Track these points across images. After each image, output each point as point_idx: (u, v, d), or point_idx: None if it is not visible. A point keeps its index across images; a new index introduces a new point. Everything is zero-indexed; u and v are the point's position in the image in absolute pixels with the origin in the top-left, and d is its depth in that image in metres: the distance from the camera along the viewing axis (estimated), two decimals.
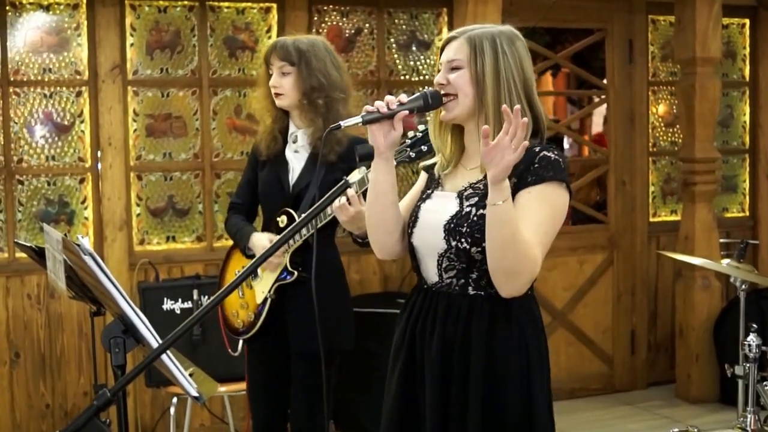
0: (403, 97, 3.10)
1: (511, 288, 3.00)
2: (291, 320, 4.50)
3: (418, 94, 3.13)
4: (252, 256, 4.55)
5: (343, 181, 3.14)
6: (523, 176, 3.04)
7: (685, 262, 6.35)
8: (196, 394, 2.75)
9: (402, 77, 7.13)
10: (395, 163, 3.44)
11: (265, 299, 4.51)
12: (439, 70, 3.23)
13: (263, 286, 4.54)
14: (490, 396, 3.08)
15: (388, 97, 3.07)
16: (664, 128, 8.08)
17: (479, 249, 3.02)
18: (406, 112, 3.06)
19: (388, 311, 6.27)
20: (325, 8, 6.94)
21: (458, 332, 3.13)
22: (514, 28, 3.26)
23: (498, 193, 2.86)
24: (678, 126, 7.91)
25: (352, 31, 7.03)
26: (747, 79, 8.36)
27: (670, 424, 6.80)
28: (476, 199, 3.10)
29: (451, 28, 7.08)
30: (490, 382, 3.08)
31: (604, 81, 8.00)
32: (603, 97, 8.05)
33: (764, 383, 5.22)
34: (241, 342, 4.83)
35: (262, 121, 4.81)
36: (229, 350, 4.96)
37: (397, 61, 7.13)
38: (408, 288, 7.02)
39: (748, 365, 5.10)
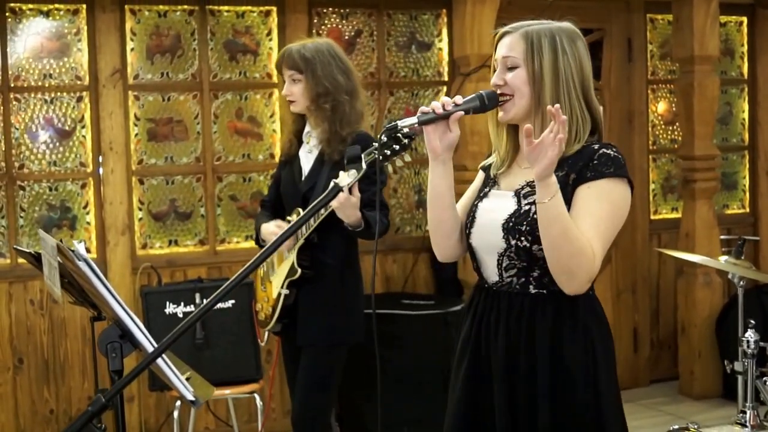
0: (459, 99, 3.06)
1: (571, 285, 2.99)
2: (300, 314, 4.66)
3: (474, 95, 3.10)
4: (263, 246, 4.74)
5: (333, 185, 3.17)
6: (582, 172, 3.03)
7: (686, 259, 6.36)
8: (193, 398, 2.76)
9: (402, 78, 7.15)
10: (364, 167, 3.47)
11: (279, 294, 4.65)
12: (494, 68, 3.19)
13: (277, 282, 4.68)
14: (558, 395, 3.07)
15: (443, 98, 3.05)
16: (663, 126, 8.09)
17: (540, 246, 2.99)
18: (462, 112, 3.04)
19: (391, 312, 6.28)
20: (325, 11, 6.96)
21: (522, 331, 3.11)
22: (572, 25, 3.24)
23: (545, 190, 2.86)
24: (677, 124, 7.93)
25: (352, 33, 7.04)
26: (745, 76, 8.37)
27: (673, 420, 6.79)
28: (535, 197, 3.03)
29: (450, 29, 7.11)
30: (558, 381, 3.07)
31: (601, 81, 8.00)
32: (599, 97, 8.05)
33: (764, 379, 5.23)
34: (267, 334, 5.03)
35: (284, 123, 5.16)
36: (258, 340, 5.19)
37: (397, 63, 7.15)
38: (410, 289, 7.05)
39: (746, 361, 5.11)
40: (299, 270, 4.54)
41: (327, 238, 4.52)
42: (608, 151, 3.05)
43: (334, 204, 4.17)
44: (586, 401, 3.08)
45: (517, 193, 3.15)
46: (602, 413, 3.10)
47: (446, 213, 3.25)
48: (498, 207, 3.17)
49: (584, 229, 2.95)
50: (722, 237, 7.35)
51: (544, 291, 3.10)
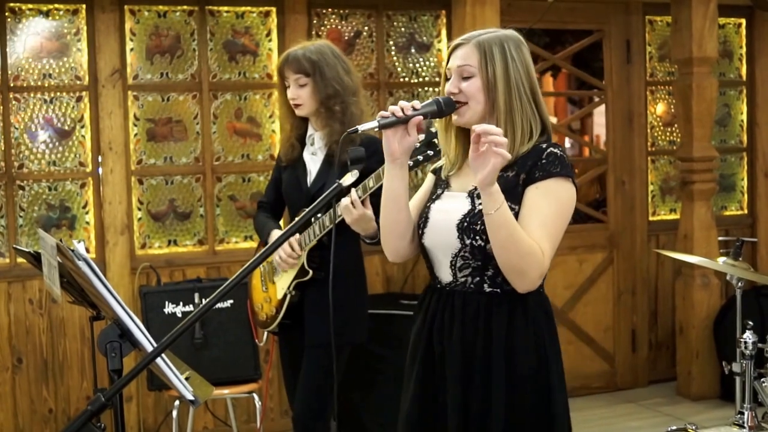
0: (417, 103, 3.14)
1: (523, 284, 3.08)
2: (307, 314, 4.66)
3: (431, 100, 3.19)
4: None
5: (335, 185, 3.20)
6: (531, 172, 3.13)
7: (684, 260, 6.37)
8: (192, 397, 2.79)
9: (401, 79, 7.16)
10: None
11: (285, 295, 4.66)
12: (446, 76, 3.29)
13: (283, 283, 4.69)
14: (511, 392, 3.13)
15: (402, 103, 3.12)
16: (662, 128, 8.11)
17: None
18: (421, 117, 3.12)
19: (390, 312, 6.29)
20: (325, 11, 6.98)
21: (479, 331, 3.18)
22: (515, 31, 3.33)
23: (489, 200, 2.95)
24: (676, 125, 7.95)
25: (352, 34, 7.06)
26: (744, 78, 8.39)
27: (671, 421, 6.83)
28: None
29: (449, 30, 7.12)
30: (511, 378, 3.14)
31: (604, 81, 8.02)
32: (602, 97, 8.07)
33: (762, 380, 5.24)
34: (265, 334, 5.02)
35: (282, 127, 5.07)
36: (256, 340, 5.13)
37: (397, 64, 7.17)
38: (410, 289, 7.07)
39: (744, 362, 5.13)
40: (311, 271, 4.56)
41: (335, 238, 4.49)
42: (555, 151, 3.17)
43: (347, 219, 4.17)
44: (537, 401, 3.16)
45: (470, 194, 3.23)
46: (554, 414, 3.18)
47: (401, 215, 3.32)
48: (451, 208, 3.26)
49: (533, 228, 3.05)
50: (720, 238, 7.35)
51: (498, 290, 3.18)
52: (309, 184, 4.70)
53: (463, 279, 3.21)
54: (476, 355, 3.17)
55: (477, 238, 3.12)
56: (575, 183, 3.19)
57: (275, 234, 4.74)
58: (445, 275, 3.27)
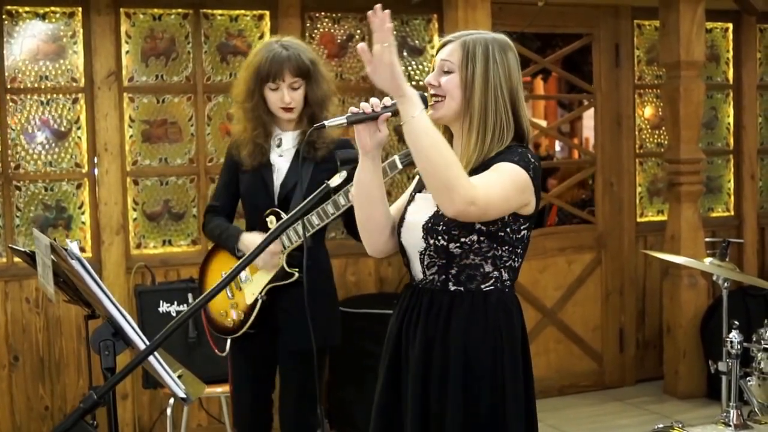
0: (387, 101, 3.16)
1: (452, 202, 3.00)
2: (283, 319, 4.53)
3: None
4: (240, 256, 4.55)
5: (324, 185, 3.21)
6: (491, 161, 3.17)
7: (671, 261, 6.42)
8: (184, 395, 2.81)
9: None
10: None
11: (256, 300, 4.53)
12: (433, 70, 3.36)
13: (254, 288, 4.56)
14: (466, 391, 3.16)
15: (373, 100, 3.16)
16: (650, 130, 8.17)
17: (457, 244, 3.16)
18: (389, 114, 3.14)
19: (383, 312, 6.32)
20: (317, 15, 7.03)
21: (439, 328, 3.22)
22: (506, 36, 3.37)
23: (408, 104, 3.00)
24: (664, 128, 8.01)
25: (344, 38, 7.12)
26: (731, 81, 8.46)
27: (658, 419, 6.83)
28: None
29: (441, 34, 7.14)
30: (467, 377, 3.17)
31: (593, 85, 8.07)
32: (591, 100, 8.13)
33: (747, 379, 5.31)
34: (228, 342, 4.79)
35: (241, 128, 4.63)
36: (216, 351, 4.93)
37: None
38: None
39: (730, 361, 5.18)
40: (296, 274, 4.43)
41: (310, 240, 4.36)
42: (519, 149, 3.21)
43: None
44: (491, 402, 3.18)
45: None
46: (506, 417, 3.18)
47: (377, 209, 3.36)
48: (421, 209, 3.32)
49: (473, 179, 3.05)
50: (707, 239, 7.38)
51: (462, 288, 3.23)
52: (278, 184, 4.54)
53: (431, 276, 3.27)
54: (435, 353, 3.21)
55: (439, 237, 3.18)
56: (534, 180, 3.18)
57: (248, 238, 4.53)
58: (418, 273, 3.33)
